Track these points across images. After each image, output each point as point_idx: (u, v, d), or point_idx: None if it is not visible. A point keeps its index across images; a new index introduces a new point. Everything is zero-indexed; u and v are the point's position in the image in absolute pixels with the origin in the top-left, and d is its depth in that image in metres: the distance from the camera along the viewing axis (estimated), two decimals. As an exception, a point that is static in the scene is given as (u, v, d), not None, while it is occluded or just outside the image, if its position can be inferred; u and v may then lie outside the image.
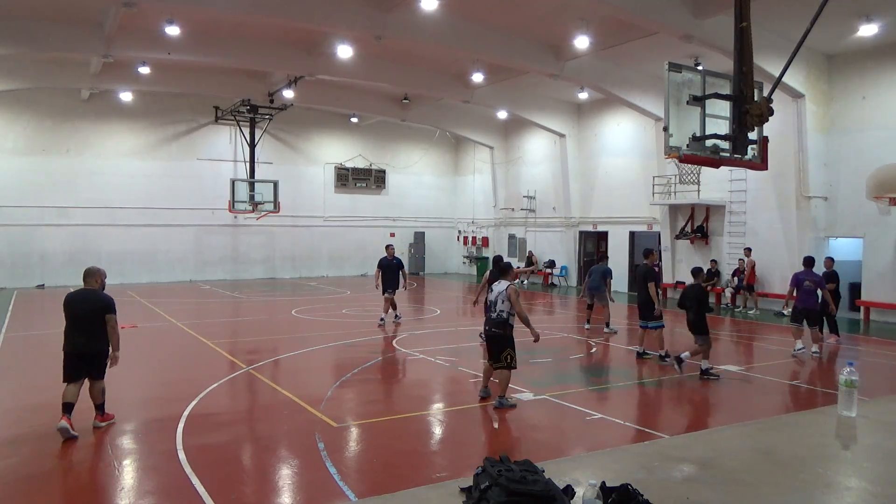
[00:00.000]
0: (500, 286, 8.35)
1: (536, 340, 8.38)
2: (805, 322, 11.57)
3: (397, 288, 15.11)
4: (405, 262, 32.04)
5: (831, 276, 12.80)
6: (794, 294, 11.73)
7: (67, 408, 6.99)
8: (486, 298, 8.51)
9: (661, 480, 4.37)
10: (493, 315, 8.29)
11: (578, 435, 7.55)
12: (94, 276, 7.41)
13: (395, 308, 15.29)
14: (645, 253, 11.85)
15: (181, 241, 26.13)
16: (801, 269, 11.86)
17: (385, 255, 15.38)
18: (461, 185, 32.93)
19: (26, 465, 6.26)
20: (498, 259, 8.80)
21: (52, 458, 6.48)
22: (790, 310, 11.97)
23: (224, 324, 16.25)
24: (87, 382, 7.27)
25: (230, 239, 27.31)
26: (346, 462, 6.37)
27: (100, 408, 7.39)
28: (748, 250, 18.64)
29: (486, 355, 8.61)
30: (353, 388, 9.39)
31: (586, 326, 14.75)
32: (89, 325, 7.14)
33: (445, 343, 12.73)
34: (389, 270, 15.09)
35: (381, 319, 14.87)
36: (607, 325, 14.58)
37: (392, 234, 30.56)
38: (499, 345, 8.29)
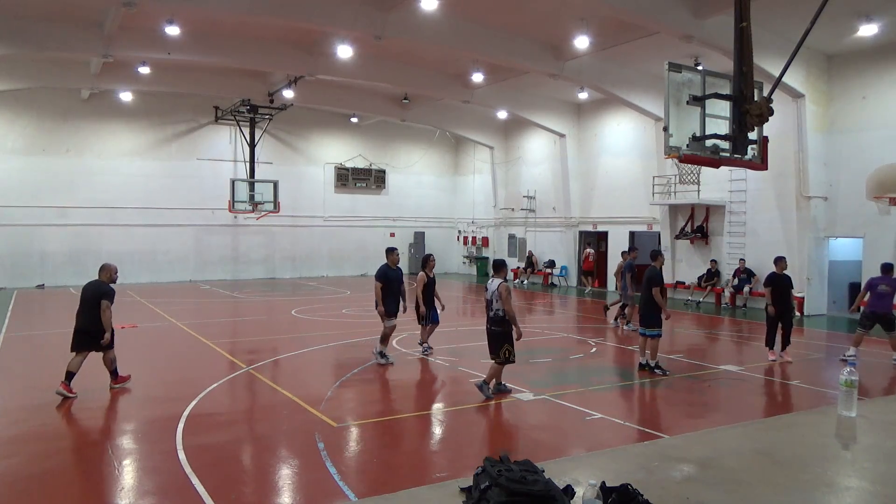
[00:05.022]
0: (493, 285, 8.53)
1: (518, 339, 8.56)
2: (879, 325, 11.11)
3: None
4: (404, 263, 32.21)
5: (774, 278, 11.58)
6: (865, 299, 11.34)
7: (68, 376, 8.35)
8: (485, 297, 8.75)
9: (661, 480, 4.37)
10: (491, 314, 8.55)
11: (578, 435, 7.55)
12: (103, 270, 8.86)
13: None
14: (653, 254, 10.89)
15: (181, 241, 26.13)
16: (874, 275, 11.51)
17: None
18: (461, 185, 32.93)
19: (26, 465, 6.27)
20: (500, 262, 8.85)
21: (52, 458, 6.49)
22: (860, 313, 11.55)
23: (224, 324, 16.24)
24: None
25: (230, 239, 27.31)
26: (346, 462, 6.37)
27: (113, 373, 8.84)
28: (588, 243, 24.64)
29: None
30: (353, 388, 9.39)
31: (628, 327, 14.38)
32: (90, 309, 8.51)
33: (445, 343, 12.70)
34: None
35: None
36: (628, 322, 14.46)
37: (392, 234, 30.60)
38: (497, 341, 8.55)
